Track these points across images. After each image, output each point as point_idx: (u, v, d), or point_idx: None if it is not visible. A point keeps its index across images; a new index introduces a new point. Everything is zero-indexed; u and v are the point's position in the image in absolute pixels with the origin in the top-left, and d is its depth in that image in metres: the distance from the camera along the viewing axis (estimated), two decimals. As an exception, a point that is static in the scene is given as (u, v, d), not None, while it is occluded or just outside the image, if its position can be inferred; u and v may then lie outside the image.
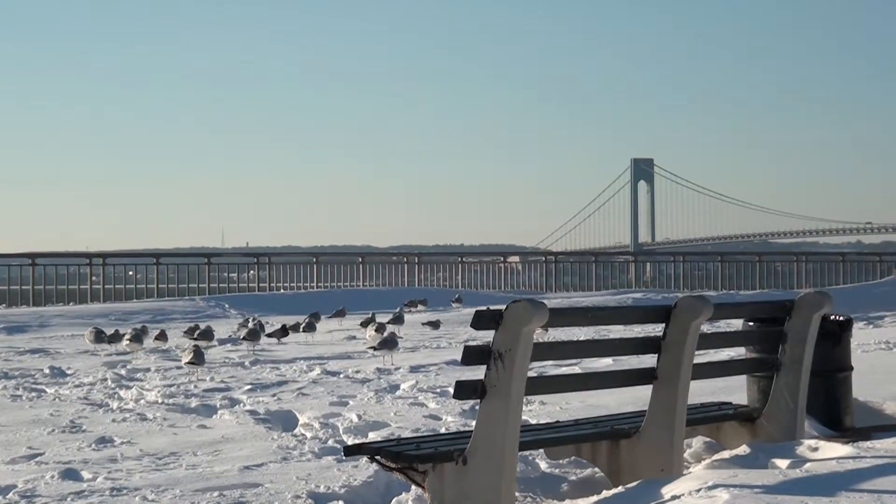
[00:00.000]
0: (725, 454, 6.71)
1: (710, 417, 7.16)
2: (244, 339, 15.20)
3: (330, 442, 7.97)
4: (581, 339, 13.02)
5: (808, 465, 5.86)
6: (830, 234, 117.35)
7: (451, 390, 5.97)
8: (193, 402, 10.10)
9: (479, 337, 14.77)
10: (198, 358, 12.25)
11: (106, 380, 11.98)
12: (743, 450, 6.60)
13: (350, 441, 7.90)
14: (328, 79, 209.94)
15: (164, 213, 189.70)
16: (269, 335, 16.01)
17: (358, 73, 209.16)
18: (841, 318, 7.65)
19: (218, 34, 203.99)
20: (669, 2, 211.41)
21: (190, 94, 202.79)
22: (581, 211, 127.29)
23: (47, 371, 12.79)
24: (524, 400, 5.72)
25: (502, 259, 34.15)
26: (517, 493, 6.09)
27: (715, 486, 5.30)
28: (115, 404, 10.15)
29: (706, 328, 8.73)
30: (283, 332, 16.14)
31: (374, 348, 13.25)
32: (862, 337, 14.86)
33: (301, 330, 16.91)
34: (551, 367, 11.32)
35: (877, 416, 8.11)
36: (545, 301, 5.85)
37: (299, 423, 9.00)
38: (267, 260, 30.79)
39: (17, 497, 6.40)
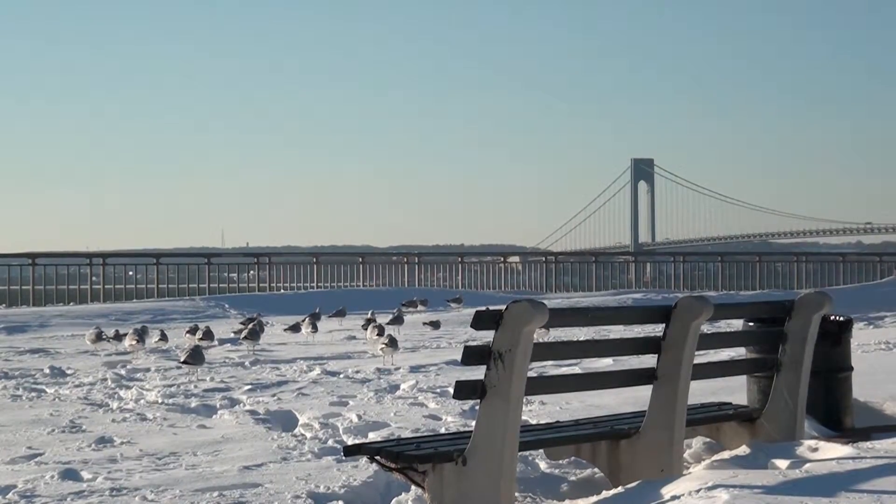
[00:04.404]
0: (725, 454, 6.71)
1: (710, 417, 7.16)
2: (244, 339, 15.20)
3: (330, 442, 7.97)
4: (581, 339, 13.02)
5: (807, 465, 5.86)
6: (830, 235, 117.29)
7: (451, 390, 5.98)
8: (193, 402, 10.11)
9: (479, 337, 14.77)
10: (194, 357, 12.24)
11: (106, 380, 11.98)
12: (743, 450, 6.61)
13: (350, 441, 7.90)
14: (328, 79, 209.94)
15: (164, 213, 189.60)
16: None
17: (358, 72, 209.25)
18: (841, 319, 7.65)
19: (218, 34, 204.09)
20: (670, 2, 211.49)
21: (190, 94, 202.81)
22: (581, 211, 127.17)
23: (47, 371, 12.79)
24: (524, 400, 5.73)
25: (502, 259, 34.15)
26: (517, 494, 6.09)
27: (715, 487, 5.30)
28: (115, 404, 10.15)
29: (706, 328, 8.73)
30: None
31: (385, 345, 13.28)
32: (862, 337, 14.86)
33: (303, 330, 16.95)
34: (551, 368, 11.32)
35: (877, 416, 8.11)
36: (545, 301, 5.85)
37: (299, 423, 9.00)
38: (267, 260, 30.80)
39: (16, 497, 6.40)
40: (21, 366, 13.67)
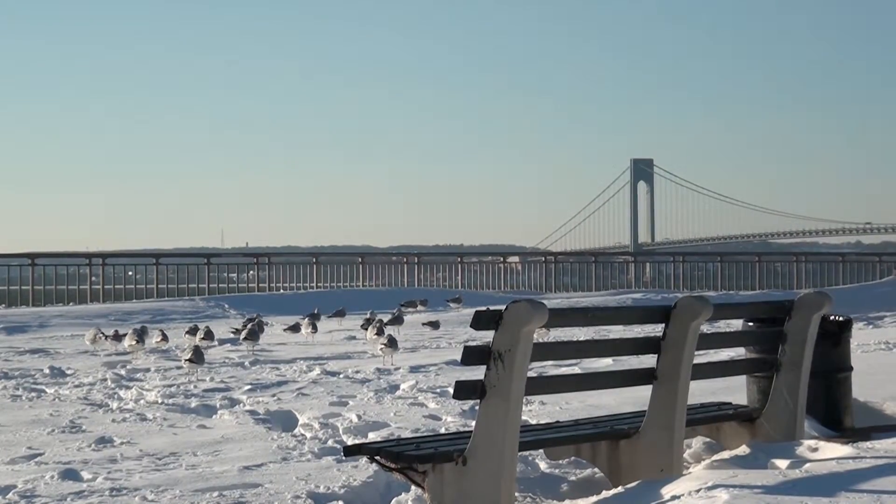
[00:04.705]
0: (725, 454, 6.71)
1: (709, 417, 7.16)
2: (244, 339, 15.21)
3: (330, 442, 7.97)
4: (581, 339, 13.02)
5: (807, 465, 5.86)
6: (830, 235, 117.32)
7: (451, 390, 5.98)
8: (193, 403, 10.11)
9: (478, 337, 14.77)
10: (197, 357, 12.27)
11: (106, 380, 11.99)
12: (743, 450, 6.61)
13: (350, 441, 7.91)
14: (328, 79, 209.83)
15: (163, 213, 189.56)
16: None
17: (358, 73, 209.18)
18: (840, 319, 7.64)
19: (217, 34, 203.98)
20: (669, 1, 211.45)
21: (189, 94, 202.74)
22: (581, 211, 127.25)
23: (47, 371, 12.79)
24: (524, 400, 5.73)
25: (502, 259, 34.15)
26: (517, 494, 6.09)
27: (715, 487, 5.30)
28: (114, 404, 10.15)
29: (706, 328, 8.73)
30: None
31: (385, 346, 13.29)
32: (862, 337, 14.86)
33: (303, 330, 16.97)
34: (551, 368, 11.32)
35: (877, 416, 8.11)
36: (545, 301, 5.85)
37: (299, 423, 9.00)
38: (267, 260, 30.80)
39: (16, 497, 6.40)
40: (21, 366, 13.68)
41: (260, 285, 29.64)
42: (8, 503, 6.32)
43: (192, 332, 16.03)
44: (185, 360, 12.43)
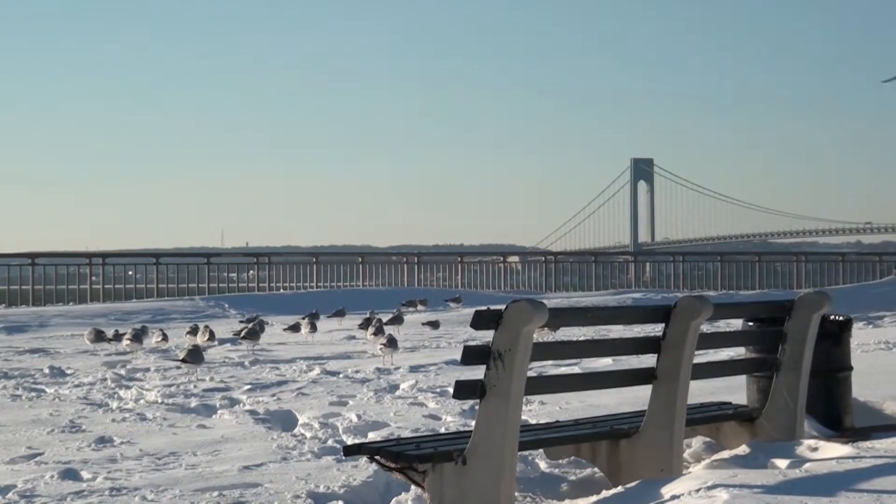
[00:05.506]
0: (725, 454, 6.71)
1: (709, 417, 7.16)
2: (243, 338, 15.21)
3: (329, 442, 7.97)
4: (581, 339, 13.01)
5: (807, 464, 5.86)
6: (830, 234, 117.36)
7: (451, 390, 5.97)
8: (193, 402, 10.10)
9: (478, 337, 14.76)
10: (193, 356, 12.25)
11: (105, 380, 11.98)
12: (742, 450, 6.60)
13: (350, 441, 7.90)
14: (328, 79, 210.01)
15: (163, 213, 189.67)
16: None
17: (357, 72, 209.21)
18: (840, 318, 7.64)
19: (217, 34, 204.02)
20: (669, 2, 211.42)
21: (190, 94, 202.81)
22: (581, 211, 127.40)
23: (47, 371, 12.78)
24: (524, 400, 5.73)
25: (502, 259, 34.16)
26: (517, 493, 6.09)
27: (714, 486, 5.30)
28: (114, 404, 10.15)
29: (706, 328, 8.74)
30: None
31: (384, 345, 13.28)
32: (862, 337, 14.85)
33: (302, 330, 16.97)
34: (551, 367, 11.31)
35: (876, 415, 8.11)
36: (545, 301, 5.85)
37: (299, 423, 9.00)
38: (266, 260, 30.80)
39: (16, 497, 6.40)
40: (21, 366, 13.67)
41: (260, 285, 29.63)
42: (8, 503, 6.32)
43: (193, 331, 16.03)
44: (181, 360, 12.41)
